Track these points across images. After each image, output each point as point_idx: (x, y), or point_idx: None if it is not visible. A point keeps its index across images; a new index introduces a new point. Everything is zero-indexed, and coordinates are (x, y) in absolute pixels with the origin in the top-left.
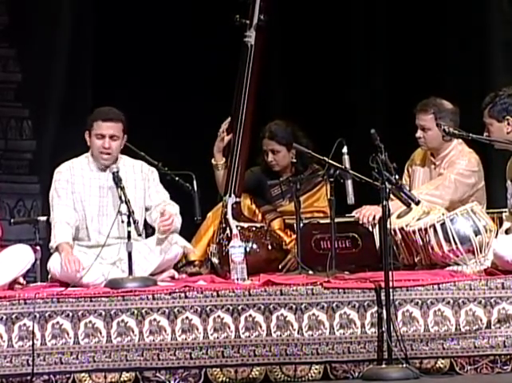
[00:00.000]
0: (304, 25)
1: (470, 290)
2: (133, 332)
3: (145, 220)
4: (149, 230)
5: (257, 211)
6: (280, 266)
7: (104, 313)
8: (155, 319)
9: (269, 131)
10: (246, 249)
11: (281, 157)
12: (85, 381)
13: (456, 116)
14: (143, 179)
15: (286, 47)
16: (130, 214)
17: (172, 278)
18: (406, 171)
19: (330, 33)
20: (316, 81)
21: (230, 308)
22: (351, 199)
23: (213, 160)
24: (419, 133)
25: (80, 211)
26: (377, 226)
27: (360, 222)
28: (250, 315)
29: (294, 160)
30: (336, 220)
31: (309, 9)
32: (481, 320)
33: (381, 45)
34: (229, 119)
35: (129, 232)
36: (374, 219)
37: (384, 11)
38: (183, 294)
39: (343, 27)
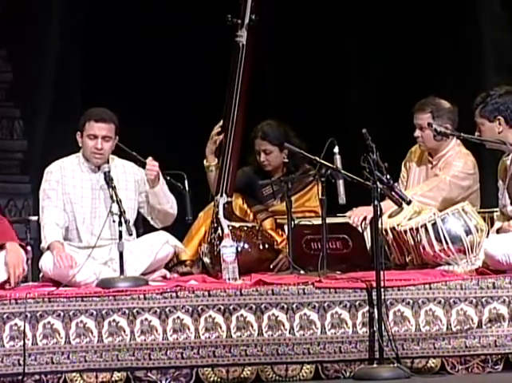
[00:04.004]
0: (297, 25)
1: (462, 289)
2: (124, 332)
3: (136, 220)
4: (140, 230)
5: (248, 211)
6: (271, 266)
7: (95, 312)
8: (146, 319)
9: (261, 131)
10: (237, 249)
11: (274, 157)
12: (76, 380)
13: (454, 115)
14: (134, 182)
15: (279, 47)
16: (121, 213)
17: (164, 277)
18: (403, 167)
19: (324, 32)
20: (308, 81)
21: (222, 308)
22: (342, 199)
23: (205, 162)
24: (417, 133)
25: (70, 212)
26: (368, 227)
27: (351, 222)
28: (242, 315)
29: (286, 160)
30: (328, 221)
31: (302, 8)
32: (472, 319)
33: (375, 45)
34: (221, 122)
35: (120, 232)
36: (365, 219)
37: (380, 12)
38: (174, 294)
39: (336, 27)
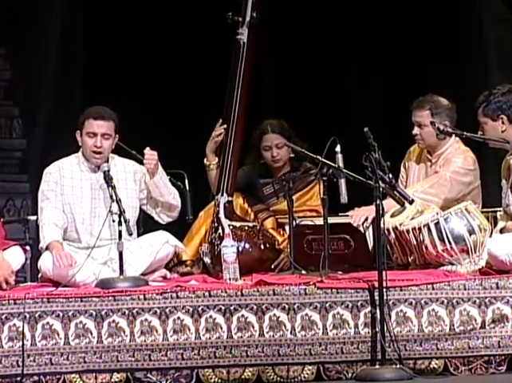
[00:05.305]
0: (297, 24)
1: (465, 289)
2: (124, 332)
3: (137, 220)
4: (140, 230)
5: (249, 210)
6: (272, 266)
7: (94, 313)
8: (146, 319)
9: (270, 126)
10: (238, 248)
11: (285, 151)
12: (76, 381)
13: (452, 112)
14: (134, 180)
15: (279, 46)
16: (121, 213)
17: (164, 277)
18: (402, 167)
19: (324, 31)
20: (309, 80)
21: (223, 308)
22: (344, 198)
23: (205, 160)
24: (415, 130)
25: (69, 214)
26: (370, 227)
27: (352, 222)
28: (243, 315)
29: (292, 155)
30: (330, 220)
31: (303, 7)
32: (475, 320)
33: (375, 44)
34: (221, 121)
35: (120, 231)
36: (366, 220)
37: (380, 12)
38: (174, 294)
39: (336, 27)
